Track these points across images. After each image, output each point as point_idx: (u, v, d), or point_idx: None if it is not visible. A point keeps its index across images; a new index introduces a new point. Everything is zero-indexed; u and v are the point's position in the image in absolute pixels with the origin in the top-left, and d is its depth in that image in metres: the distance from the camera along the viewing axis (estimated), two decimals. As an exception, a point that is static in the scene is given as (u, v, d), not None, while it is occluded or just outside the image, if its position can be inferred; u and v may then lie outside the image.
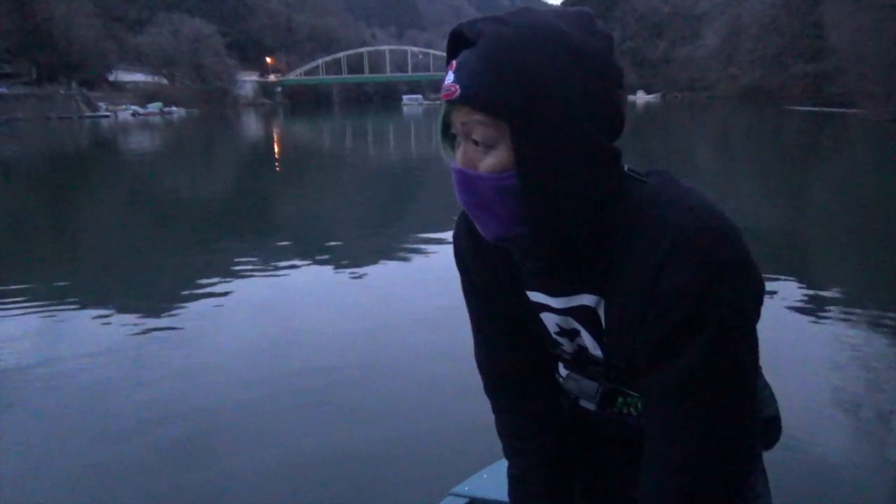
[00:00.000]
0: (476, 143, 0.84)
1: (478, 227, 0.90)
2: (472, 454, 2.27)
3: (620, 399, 0.99)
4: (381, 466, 2.99)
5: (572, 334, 0.98)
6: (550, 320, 0.98)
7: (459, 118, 0.84)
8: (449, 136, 0.90)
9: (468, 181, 0.86)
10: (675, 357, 0.85)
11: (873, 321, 4.84)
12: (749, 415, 0.90)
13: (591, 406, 1.02)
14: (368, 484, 2.87)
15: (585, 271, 0.90)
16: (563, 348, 1.01)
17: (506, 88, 0.79)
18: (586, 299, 0.92)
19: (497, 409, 1.14)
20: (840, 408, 3.50)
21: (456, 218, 1.08)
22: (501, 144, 0.82)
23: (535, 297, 0.98)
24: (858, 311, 5.06)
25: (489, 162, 0.84)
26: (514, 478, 1.12)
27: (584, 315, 0.94)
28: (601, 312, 0.92)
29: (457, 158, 0.87)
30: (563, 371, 1.05)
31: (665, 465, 0.90)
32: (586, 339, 0.97)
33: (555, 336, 1.00)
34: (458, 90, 0.82)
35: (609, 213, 0.86)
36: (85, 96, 69.94)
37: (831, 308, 5.13)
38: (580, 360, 1.00)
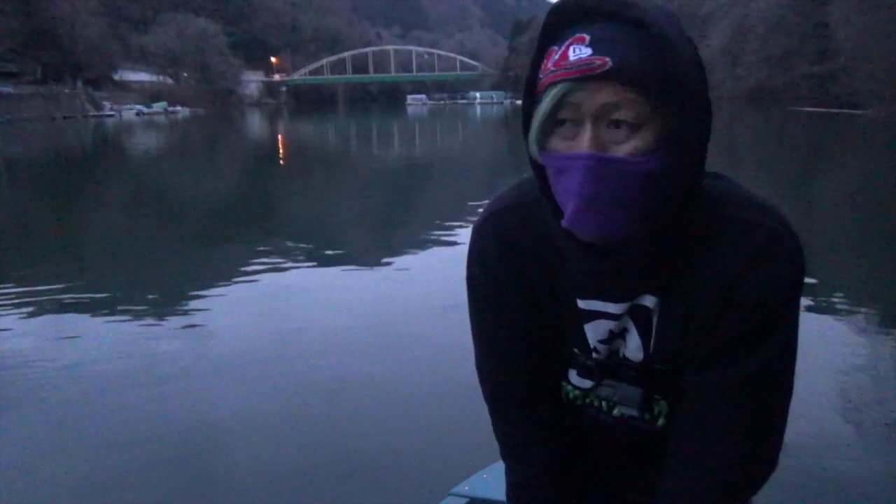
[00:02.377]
0: (616, 124, 0.77)
1: (584, 224, 0.81)
2: (472, 454, 2.20)
3: (656, 404, 0.98)
4: (381, 466, 2.96)
5: (616, 338, 0.95)
6: (602, 327, 0.94)
7: (601, 96, 0.75)
8: (548, 123, 0.80)
9: (606, 166, 0.77)
10: (748, 353, 0.86)
11: (880, 322, 4.78)
12: (787, 414, 0.92)
13: (632, 412, 0.99)
14: (368, 484, 2.83)
15: (653, 272, 0.87)
16: (595, 355, 0.97)
17: (668, 64, 0.75)
18: (647, 300, 0.90)
19: (498, 417, 1.10)
20: (844, 408, 3.45)
21: (475, 221, 1.01)
22: (649, 124, 0.77)
23: (590, 304, 0.93)
24: (865, 311, 5.00)
25: (633, 145, 0.77)
26: (514, 484, 1.10)
27: (639, 316, 0.92)
28: (656, 313, 0.91)
29: (582, 143, 0.77)
30: (576, 379, 1.02)
31: (708, 461, 0.90)
32: (631, 341, 0.93)
33: (596, 343, 0.96)
34: (609, 63, 0.74)
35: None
36: (90, 95, 70.27)
37: (837, 308, 5.08)
38: (610, 365, 0.97)
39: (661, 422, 0.97)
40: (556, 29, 0.79)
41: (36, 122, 53.90)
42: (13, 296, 5.84)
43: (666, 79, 0.75)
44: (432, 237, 8.13)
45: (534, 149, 0.82)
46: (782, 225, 0.84)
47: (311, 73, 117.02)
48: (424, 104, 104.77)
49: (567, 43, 0.76)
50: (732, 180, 0.90)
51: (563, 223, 0.82)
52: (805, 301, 5.07)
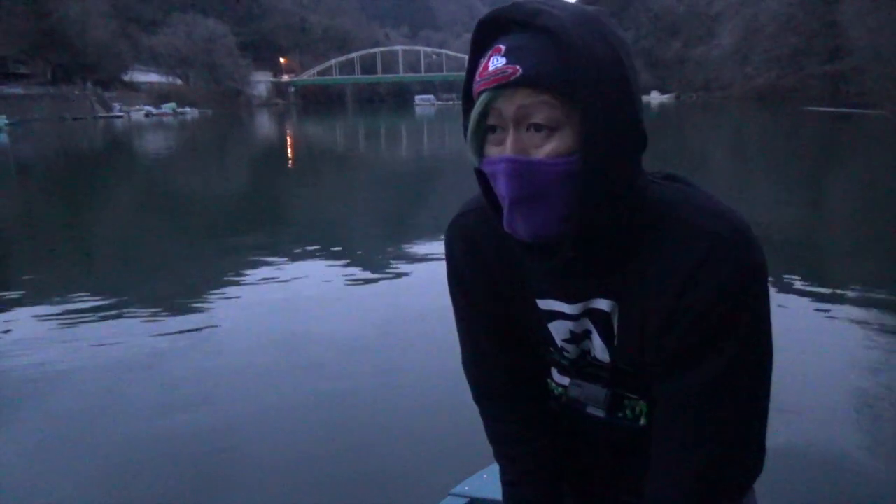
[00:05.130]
0: (535, 127, 0.81)
1: (517, 225, 0.84)
2: (472, 454, 2.16)
3: (626, 403, 0.98)
4: (382, 466, 2.95)
5: (582, 339, 0.96)
6: (562, 327, 0.96)
7: (516, 101, 0.80)
8: (481, 130, 0.85)
9: (526, 169, 0.81)
10: (705, 360, 0.85)
11: (893, 322, 4.74)
12: (766, 416, 0.91)
13: (599, 412, 1.00)
14: (368, 483, 2.83)
15: (603, 274, 0.89)
16: (566, 354, 0.99)
17: (575, 68, 0.77)
18: (602, 304, 0.91)
19: (487, 417, 1.13)
20: (855, 410, 3.43)
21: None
22: (565, 127, 0.80)
23: (548, 304, 0.95)
24: (878, 312, 4.95)
25: (552, 146, 0.80)
26: (507, 483, 1.12)
27: (597, 318, 0.93)
28: (615, 317, 0.91)
29: (506, 148, 0.82)
30: (557, 377, 1.04)
31: (684, 469, 0.90)
32: (596, 343, 0.95)
33: (562, 343, 0.98)
34: (520, 70, 0.79)
35: (631, 211, 0.85)
36: (99, 97, 70.65)
37: (849, 309, 5.06)
38: (581, 365, 0.99)
39: (642, 421, 0.98)
40: (482, 43, 0.85)
41: (46, 122, 54.27)
42: (19, 295, 5.84)
43: (573, 82, 0.78)
44: (437, 240, 8.09)
45: (472, 156, 0.87)
46: (733, 230, 0.83)
47: (320, 73, 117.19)
48: (433, 105, 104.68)
49: (488, 55, 0.82)
50: (689, 182, 0.91)
51: (503, 226, 0.86)
52: (815, 302, 5.06)
